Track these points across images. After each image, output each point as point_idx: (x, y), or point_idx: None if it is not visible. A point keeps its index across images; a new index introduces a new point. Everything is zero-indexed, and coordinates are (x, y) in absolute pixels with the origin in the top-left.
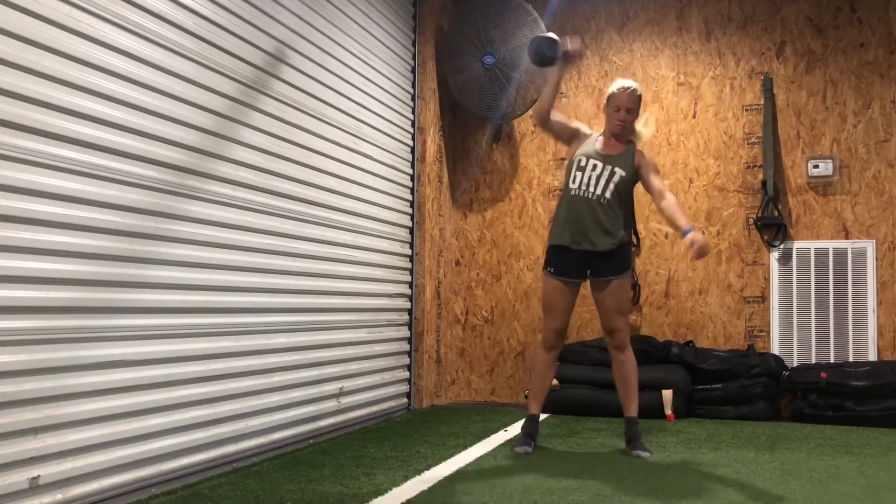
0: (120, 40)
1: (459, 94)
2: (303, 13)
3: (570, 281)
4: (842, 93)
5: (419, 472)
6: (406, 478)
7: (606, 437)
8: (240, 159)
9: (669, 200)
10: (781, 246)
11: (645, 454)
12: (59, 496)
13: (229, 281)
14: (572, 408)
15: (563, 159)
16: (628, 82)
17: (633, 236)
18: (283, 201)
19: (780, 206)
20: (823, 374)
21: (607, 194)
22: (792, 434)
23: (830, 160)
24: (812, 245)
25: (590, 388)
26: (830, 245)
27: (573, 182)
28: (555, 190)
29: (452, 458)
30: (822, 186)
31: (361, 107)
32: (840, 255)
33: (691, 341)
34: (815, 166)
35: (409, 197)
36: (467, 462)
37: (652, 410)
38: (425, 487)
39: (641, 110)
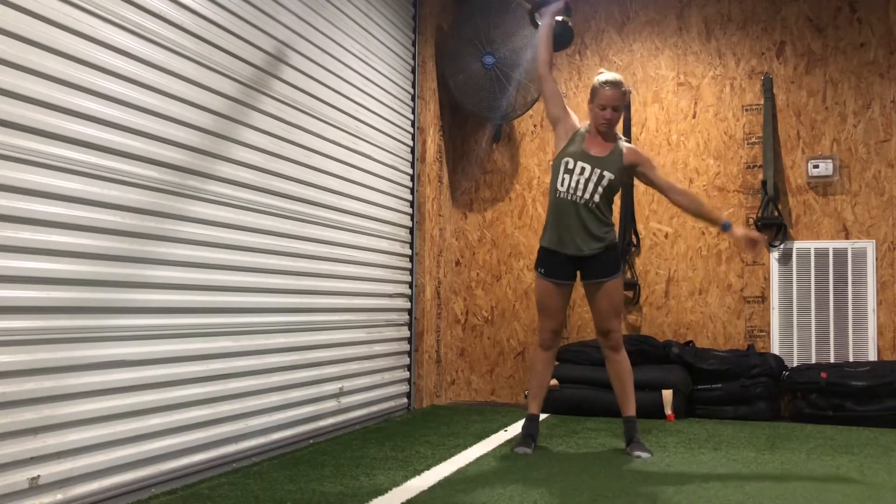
0: (120, 40)
1: (459, 94)
2: (303, 13)
3: (561, 282)
4: (842, 93)
5: (419, 472)
6: (406, 478)
7: (606, 437)
8: (240, 159)
9: (688, 193)
10: (781, 246)
11: (645, 454)
12: (59, 496)
13: (229, 281)
14: (572, 408)
15: None
16: (613, 76)
17: (633, 236)
18: (283, 201)
19: (780, 206)
20: (823, 374)
21: (595, 198)
22: (792, 434)
23: (830, 160)
24: (812, 245)
25: (589, 388)
26: (830, 245)
27: (561, 185)
28: None
29: (452, 458)
30: (822, 186)
31: (361, 107)
32: (840, 255)
33: (691, 341)
34: (815, 166)
35: (409, 197)
36: (467, 462)
37: (652, 410)
38: (425, 487)
39: (641, 110)
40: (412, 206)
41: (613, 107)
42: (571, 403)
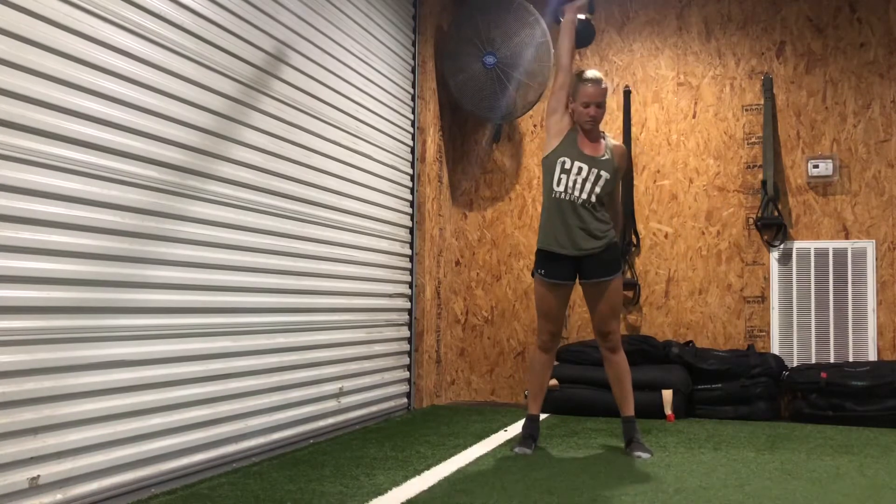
0: (120, 40)
1: (460, 94)
2: (303, 13)
3: (561, 283)
4: (842, 93)
5: (419, 472)
6: (406, 478)
7: (606, 437)
8: (240, 159)
9: (613, 210)
10: (781, 246)
11: (645, 454)
12: (59, 496)
13: (229, 281)
14: (572, 408)
15: None
16: (594, 73)
17: (633, 236)
18: (283, 201)
19: (780, 206)
20: (823, 374)
21: (593, 198)
22: (792, 434)
23: (830, 160)
24: (812, 245)
25: (589, 388)
26: (830, 245)
27: (557, 185)
28: None
29: (452, 458)
30: (822, 186)
31: (361, 107)
32: (840, 255)
33: (691, 341)
34: (815, 166)
35: (409, 197)
36: (467, 462)
37: (652, 410)
38: (425, 487)
39: (641, 110)
40: (412, 206)
41: (597, 103)
42: (571, 403)
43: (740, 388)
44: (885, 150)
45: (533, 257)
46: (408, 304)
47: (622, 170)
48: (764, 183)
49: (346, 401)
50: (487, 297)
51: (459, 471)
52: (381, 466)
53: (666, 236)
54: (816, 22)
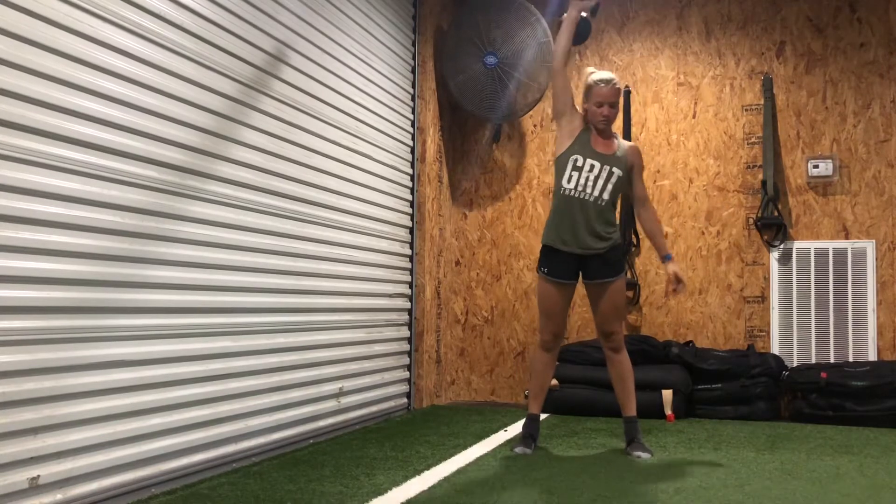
0: (120, 40)
1: (460, 94)
2: (303, 13)
3: (564, 282)
4: (842, 93)
5: (419, 472)
6: (406, 478)
7: (606, 437)
8: (240, 159)
9: (652, 213)
10: (781, 246)
11: (645, 455)
12: (59, 496)
13: (229, 281)
14: (572, 408)
15: None
16: (607, 74)
17: (633, 236)
18: (283, 201)
19: (780, 206)
20: (823, 374)
21: (605, 196)
22: (792, 434)
23: (830, 160)
24: (812, 245)
25: (590, 388)
26: (830, 245)
27: (568, 182)
28: None
29: (452, 458)
30: (821, 186)
31: (361, 107)
32: (840, 255)
33: (691, 341)
34: (815, 166)
35: (409, 197)
36: (467, 462)
37: (652, 410)
38: (425, 487)
39: (641, 110)
40: (412, 206)
41: (611, 103)
42: (571, 403)
43: (740, 388)
44: (885, 150)
45: (533, 257)
46: (408, 304)
47: (638, 168)
48: (764, 183)
49: (346, 401)
50: (487, 297)
51: (459, 471)
52: (381, 466)
53: (666, 236)
54: (816, 22)
